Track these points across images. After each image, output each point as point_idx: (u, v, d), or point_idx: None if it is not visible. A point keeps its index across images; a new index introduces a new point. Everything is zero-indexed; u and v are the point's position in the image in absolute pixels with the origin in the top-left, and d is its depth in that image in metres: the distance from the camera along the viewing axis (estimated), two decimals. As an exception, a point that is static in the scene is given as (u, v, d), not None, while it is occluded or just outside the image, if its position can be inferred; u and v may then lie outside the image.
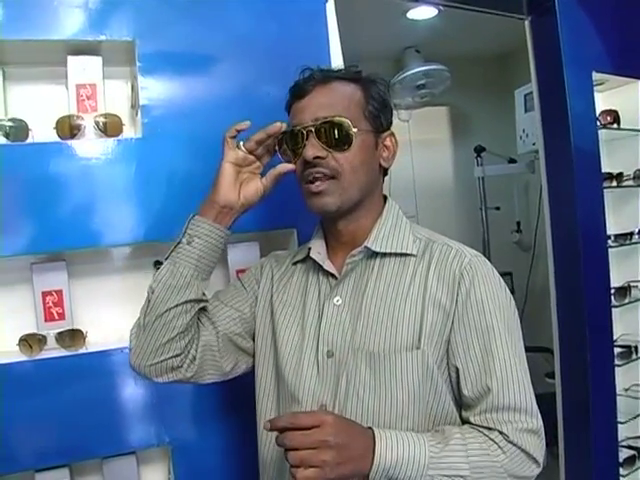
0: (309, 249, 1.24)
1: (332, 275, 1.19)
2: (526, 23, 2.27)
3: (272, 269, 1.32)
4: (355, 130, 1.12)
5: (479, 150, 3.55)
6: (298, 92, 1.18)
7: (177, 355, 1.15)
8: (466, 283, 1.10)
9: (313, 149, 1.12)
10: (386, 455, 0.96)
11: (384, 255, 1.17)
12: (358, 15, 1.87)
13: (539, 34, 2.25)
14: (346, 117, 1.12)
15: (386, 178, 1.27)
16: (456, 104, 3.79)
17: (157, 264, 1.62)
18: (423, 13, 2.97)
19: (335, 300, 1.17)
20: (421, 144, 3.65)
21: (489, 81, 3.65)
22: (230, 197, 1.16)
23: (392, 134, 1.23)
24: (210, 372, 1.23)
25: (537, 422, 1.07)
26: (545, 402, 2.39)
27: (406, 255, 1.17)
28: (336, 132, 1.12)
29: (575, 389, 2.23)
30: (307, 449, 0.92)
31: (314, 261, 1.21)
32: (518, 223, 3.70)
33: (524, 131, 3.06)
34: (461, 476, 0.98)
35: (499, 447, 1.03)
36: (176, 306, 1.12)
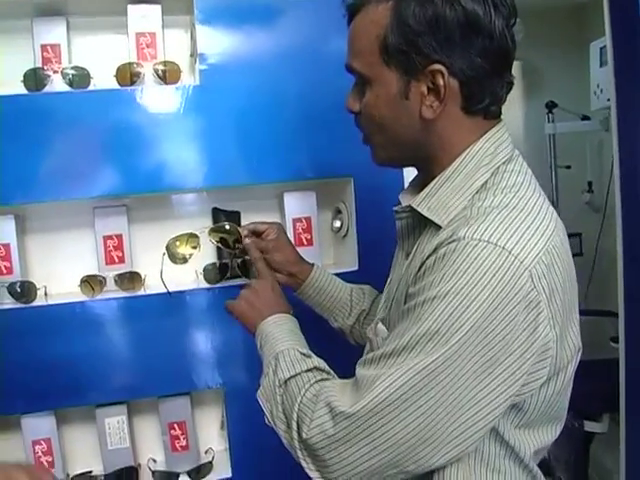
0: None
1: None
2: (603, -30, 2.14)
3: None
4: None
5: (550, 106, 3.41)
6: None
7: None
8: (428, 262, 0.84)
9: (347, 100, 0.98)
10: (265, 327, 1.10)
11: (428, 220, 0.92)
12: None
13: (616, -18, 2.12)
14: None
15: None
16: (528, 58, 3.63)
17: (216, 212, 1.64)
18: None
19: (399, 257, 1.05)
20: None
21: (563, 34, 3.48)
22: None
23: (436, 70, 0.85)
24: None
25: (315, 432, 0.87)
26: (611, 367, 2.35)
27: (437, 226, 0.90)
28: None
29: (639, 354, 2.16)
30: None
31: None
32: (590, 183, 3.55)
33: (598, 86, 2.90)
34: (279, 385, 0.99)
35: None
36: None
